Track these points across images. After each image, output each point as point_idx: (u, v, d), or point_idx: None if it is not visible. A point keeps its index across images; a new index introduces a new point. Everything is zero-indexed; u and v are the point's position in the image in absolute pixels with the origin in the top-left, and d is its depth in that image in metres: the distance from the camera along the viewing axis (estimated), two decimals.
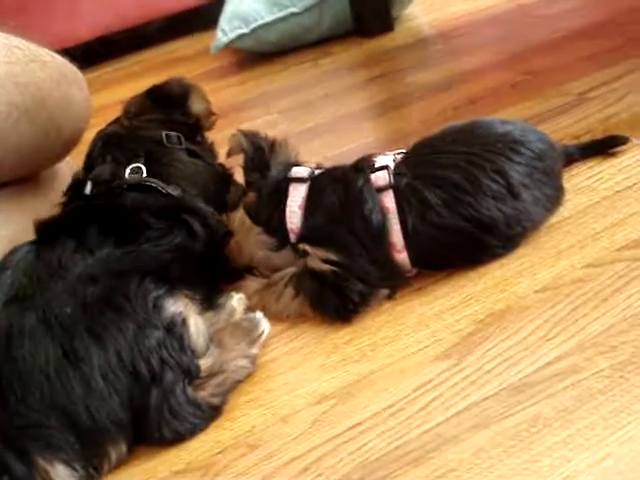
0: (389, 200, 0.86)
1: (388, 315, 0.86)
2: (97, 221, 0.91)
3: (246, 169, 0.94)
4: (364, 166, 0.90)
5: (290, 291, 0.89)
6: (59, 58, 1.18)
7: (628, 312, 0.76)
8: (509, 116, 1.27)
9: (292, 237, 0.90)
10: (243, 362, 0.82)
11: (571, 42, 1.60)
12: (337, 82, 1.76)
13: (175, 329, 0.78)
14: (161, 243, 0.91)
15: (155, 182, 0.98)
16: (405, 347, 0.80)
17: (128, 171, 0.99)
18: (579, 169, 1.04)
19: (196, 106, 1.16)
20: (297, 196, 0.90)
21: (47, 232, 0.92)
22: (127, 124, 1.11)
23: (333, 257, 0.86)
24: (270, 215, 0.91)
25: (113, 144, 1.05)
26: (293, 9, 2.07)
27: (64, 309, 0.77)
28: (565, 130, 1.18)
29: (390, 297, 0.88)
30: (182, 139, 1.08)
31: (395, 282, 0.88)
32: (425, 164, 0.89)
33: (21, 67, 1.04)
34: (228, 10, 2.13)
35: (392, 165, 0.89)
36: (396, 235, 0.86)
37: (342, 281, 0.86)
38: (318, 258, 0.87)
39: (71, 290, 0.80)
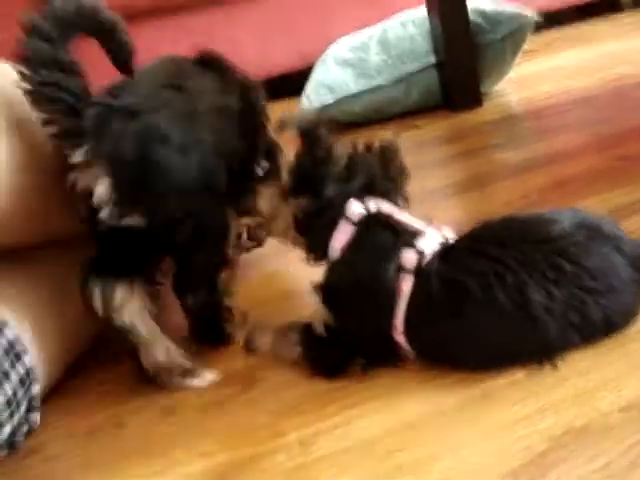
0: (406, 284, 0.84)
1: (451, 420, 0.77)
2: None
3: (295, 174, 0.94)
4: (408, 240, 0.87)
5: (295, 336, 0.92)
6: None
7: None
8: (599, 204, 1.18)
9: None
10: None
11: None
12: (420, 156, 1.70)
13: None
14: None
15: None
16: (466, 461, 0.71)
17: None
18: None
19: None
20: (343, 236, 0.90)
21: None
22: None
23: (333, 323, 0.88)
24: (317, 238, 0.92)
25: None
26: (380, 81, 2.04)
27: None
28: None
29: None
30: None
31: (388, 360, 0.88)
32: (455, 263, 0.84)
33: None
34: (315, 78, 2.11)
35: (429, 251, 0.86)
36: (399, 318, 0.84)
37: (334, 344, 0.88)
38: (321, 317, 0.89)
39: None
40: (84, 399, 0.97)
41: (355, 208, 0.90)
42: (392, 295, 0.84)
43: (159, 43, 2.55)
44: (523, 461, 0.69)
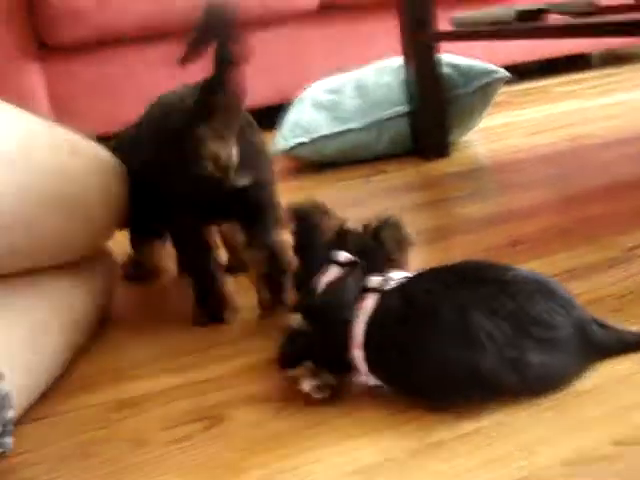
0: (369, 301, 0.93)
1: (400, 470, 0.82)
2: None
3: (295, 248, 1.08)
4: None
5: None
6: (100, 150, 1.21)
7: None
8: (551, 264, 1.25)
9: None
10: None
11: (629, 191, 1.59)
12: (385, 202, 1.77)
13: None
14: None
15: None
16: None
17: None
18: None
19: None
20: (330, 275, 1.00)
21: None
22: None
23: (302, 326, 0.96)
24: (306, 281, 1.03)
25: None
26: (353, 125, 2.12)
27: None
28: (609, 288, 1.14)
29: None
30: None
31: (339, 372, 0.96)
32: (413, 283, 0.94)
33: (61, 158, 1.06)
34: (290, 118, 2.18)
35: (397, 278, 0.96)
36: (358, 332, 0.92)
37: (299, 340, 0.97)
38: (295, 321, 0.97)
39: None
40: (56, 426, 1.00)
41: (342, 254, 1.01)
42: (349, 310, 0.93)
43: (139, 69, 2.62)
44: None
